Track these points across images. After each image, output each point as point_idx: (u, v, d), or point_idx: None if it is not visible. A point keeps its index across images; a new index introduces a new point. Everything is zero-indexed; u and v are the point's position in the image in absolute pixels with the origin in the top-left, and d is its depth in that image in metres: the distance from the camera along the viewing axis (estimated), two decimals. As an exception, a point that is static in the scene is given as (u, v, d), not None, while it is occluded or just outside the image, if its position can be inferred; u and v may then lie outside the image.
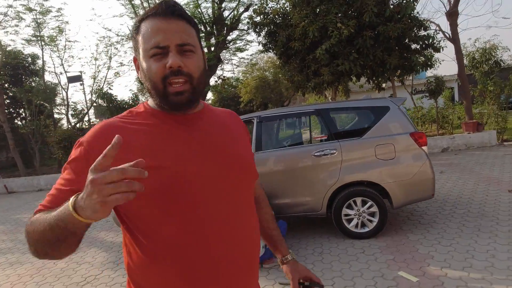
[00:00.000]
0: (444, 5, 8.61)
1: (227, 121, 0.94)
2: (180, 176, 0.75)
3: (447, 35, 8.63)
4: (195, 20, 1.05)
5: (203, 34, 10.43)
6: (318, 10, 7.61)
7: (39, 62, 15.48)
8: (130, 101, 9.94)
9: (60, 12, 14.05)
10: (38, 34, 14.20)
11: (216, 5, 10.12)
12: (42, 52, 14.77)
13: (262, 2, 9.12)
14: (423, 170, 3.41)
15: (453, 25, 8.46)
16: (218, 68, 10.79)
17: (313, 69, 8.25)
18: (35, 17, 13.80)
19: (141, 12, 11.23)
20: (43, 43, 14.41)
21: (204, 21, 10.17)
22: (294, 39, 8.05)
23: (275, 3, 9.17)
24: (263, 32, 9.14)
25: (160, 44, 0.75)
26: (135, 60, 0.84)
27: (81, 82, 20.65)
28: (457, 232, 3.42)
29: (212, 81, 11.50)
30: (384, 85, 9.06)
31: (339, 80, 8.67)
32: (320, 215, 3.65)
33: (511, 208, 3.90)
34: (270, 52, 9.46)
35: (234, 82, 12.25)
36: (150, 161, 0.70)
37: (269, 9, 9.06)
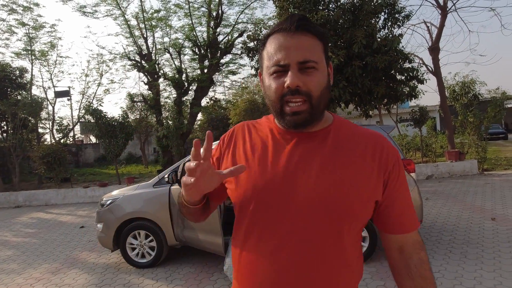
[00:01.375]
0: (426, 41, 9.19)
1: (353, 146, 0.79)
2: (259, 192, 0.77)
3: (430, 69, 9.14)
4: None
5: (197, 57, 10.66)
6: (309, 39, 7.94)
7: (27, 75, 15.30)
8: (120, 119, 9.86)
9: (54, 28, 14.07)
10: (29, 48, 14.14)
11: (211, 29, 10.44)
12: (32, 66, 14.64)
13: (256, 29, 9.48)
14: (412, 197, 3.50)
15: (435, 60, 8.99)
16: (210, 90, 10.96)
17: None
18: (27, 31, 13.81)
19: (137, 32, 11.45)
20: (33, 57, 14.33)
21: (199, 44, 10.42)
22: (286, 65, 8.33)
23: (268, 30, 9.54)
24: (256, 57, 9.43)
25: (280, 62, 0.74)
26: (260, 74, 0.85)
27: (69, 98, 20.47)
28: (444, 258, 3.47)
29: (204, 102, 11.64)
30: (371, 112, 9.39)
31: (329, 106, 8.93)
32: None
33: (495, 236, 4.01)
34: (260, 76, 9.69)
35: (224, 104, 12.42)
36: (243, 160, 0.83)
37: (262, 36, 9.40)
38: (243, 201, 0.80)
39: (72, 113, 20.04)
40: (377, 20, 8.34)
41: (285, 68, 0.74)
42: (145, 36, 11.15)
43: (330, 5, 8.51)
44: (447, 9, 8.72)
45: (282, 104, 0.75)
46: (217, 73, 10.66)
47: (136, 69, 11.38)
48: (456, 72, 15.50)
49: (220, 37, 10.81)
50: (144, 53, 11.43)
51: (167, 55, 11.80)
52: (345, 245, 0.75)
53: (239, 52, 10.53)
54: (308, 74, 0.73)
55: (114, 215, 3.97)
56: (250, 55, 9.41)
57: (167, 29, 11.73)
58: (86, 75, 14.69)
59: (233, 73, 10.74)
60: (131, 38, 11.35)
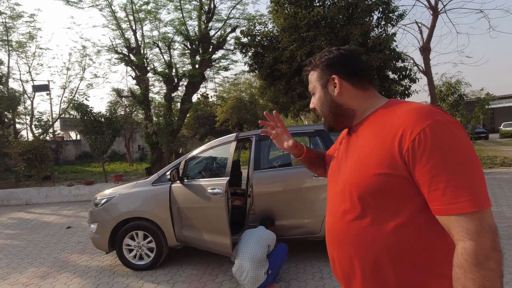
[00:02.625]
0: (418, 41, 9.32)
1: (379, 129, 0.87)
2: (328, 175, 1.09)
3: (421, 68, 9.28)
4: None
5: (188, 51, 10.35)
6: (305, 35, 7.88)
7: (4, 68, 14.49)
8: (108, 114, 9.45)
9: (33, 18, 13.36)
10: (6, 39, 13.38)
11: (203, 23, 10.17)
12: (9, 57, 13.87)
13: (250, 24, 9.32)
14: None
15: (426, 60, 9.14)
16: (202, 86, 10.69)
17: (298, 92, 8.43)
18: (4, 21, 13.05)
19: (124, 25, 11.02)
20: (10, 49, 13.57)
21: (191, 38, 10.13)
22: (281, 61, 8.23)
23: (262, 26, 9.40)
24: (249, 53, 9.28)
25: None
26: None
27: (48, 92, 19.56)
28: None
29: (194, 98, 11.35)
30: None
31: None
32: (319, 238, 3.55)
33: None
34: (255, 72, 9.57)
35: (216, 100, 12.20)
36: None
37: (256, 31, 9.27)
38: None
39: (51, 108, 19.20)
40: (371, 18, 8.36)
41: None
42: (133, 28, 10.73)
43: (326, 2, 8.45)
44: (438, 10, 8.87)
45: None
46: (208, 69, 10.39)
47: (123, 63, 10.94)
48: (443, 73, 15.93)
49: (212, 32, 10.56)
50: (132, 47, 11.01)
51: (156, 49, 11.42)
52: (370, 221, 0.85)
53: (231, 47, 10.32)
54: (314, 96, 1.05)
55: (110, 214, 3.73)
56: (244, 51, 9.24)
57: (157, 22, 11.37)
58: (68, 69, 14.06)
59: (226, 69, 10.52)
60: (118, 31, 10.91)
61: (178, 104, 11.14)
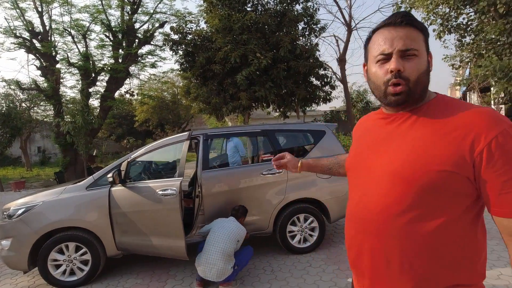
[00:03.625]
0: (336, 52, 10.46)
1: (441, 124, 0.84)
2: (356, 163, 1.03)
3: (338, 77, 10.44)
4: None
5: (110, 44, 9.42)
6: (239, 38, 8.03)
7: None
8: (4, 109, 7.90)
9: None
10: None
11: (127, 14, 9.39)
12: None
13: (181, 21, 9.02)
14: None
15: (342, 69, 10.33)
16: (126, 82, 9.83)
17: (231, 93, 8.53)
18: None
19: (24, 4, 9.39)
20: None
21: (113, 29, 9.23)
22: (214, 62, 8.21)
23: (194, 25, 9.22)
24: (180, 52, 8.98)
25: (385, 51, 0.88)
26: (364, 66, 1.00)
27: None
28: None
29: (118, 94, 10.35)
30: (288, 113, 10.10)
31: (255, 105, 9.22)
32: (267, 234, 3.71)
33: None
34: (186, 71, 9.30)
35: (143, 99, 11.36)
36: (352, 145, 1.12)
37: (188, 29, 9.03)
38: (346, 169, 1.09)
39: None
40: (297, 28, 9.03)
41: (389, 56, 0.87)
42: (39, 10, 9.23)
43: (259, 8, 8.78)
44: (352, 27, 10.13)
45: (386, 87, 0.89)
46: (134, 64, 9.64)
47: (24, 50, 9.30)
48: (353, 82, 18.17)
49: (138, 25, 9.84)
50: (37, 31, 9.45)
51: (69, 38, 10.06)
52: (418, 216, 0.83)
53: (160, 44, 9.80)
54: (409, 60, 0.86)
55: (31, 227, 3.18)
56: (174, 48, 8.90)
57: (68, 7, 10.01)
58: None
59: (153, 65, 9.90)
60: (15, 10, 9.21)
61: (97, 101, 10.03)
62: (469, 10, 9.13)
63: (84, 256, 3.26)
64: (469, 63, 9.91)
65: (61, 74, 9.87)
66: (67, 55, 9.90)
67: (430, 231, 0.82)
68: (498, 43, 8.38)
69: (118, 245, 3.27)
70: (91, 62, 9.75)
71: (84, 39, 9.99)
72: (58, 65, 9.92)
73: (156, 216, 3.08)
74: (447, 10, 9.32)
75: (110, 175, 3.14)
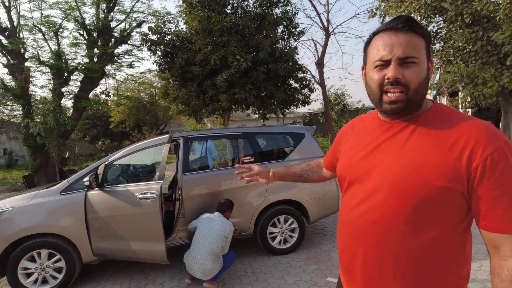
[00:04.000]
0: (314, 56, 10.68)
1: (440, 135, 0.84)
2: (351, 169, 0.99)
3: (316, 80, 10.66)
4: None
5: (85, 42, 9.07)
6: (219, 40, 8.02)
7: None
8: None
9: None
10: None
11: (103, 12, 9.10)
12: None
13: (160, 22, 8.87)
14: (331, 189, 4.03)
15: (320, 73, 10.56)
16: (102, 83, 9.49)
17: (211, 95, 8.49)
18: None
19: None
20: None
21: (89, 28, 8.89)
22: (194, 63, 8.14)
23: (173, 25, 9.09)
24: (158, 52, 8.83)
25: (383, 58, 0.85)
26: (363, 69, 0.98)
27: None
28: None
29: (93, 94, 9.99)
30: (268, 115, 10.19)
31: (235, 107, 9.22)
32: (248, 236, 3.73)
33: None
34: (165, 72, 9.15)
35: (120, 100, 11.02)
36: (345, 146, 1.09)
37: (166, 30, 8.89)
38: (339, 176, 1.08)
39: None
40: (277, 31, 9.14)
41: (387, 62, 0.85)
42: (6, 4, 8.75)
43: (239, 10, 8.80)
44: (330, 32, 10.39)
45: (381, 93, 0.88)
46: (110, 64, 9.34)
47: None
48: (331, 85, 18.63)
49: (113, 24, 9.56)
50: (4, 27, 8.95)
51: (40, 35, 9.59)
52: (413, 228, 0.83)
53: (138, 43, 9.57)
54: (408, 67, 0.84)
55: (-1, 234, 3.02)
56: (152, 49, 8.73)
57: (37, 2, 9.56)
58: None
59: (130, 66, 9.64)
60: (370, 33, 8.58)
61: (70, 102, 9.63)
62: (439, 19, 9.64)
63: (58, 263, 3.14)
64: (439, 69, 10.45)
65: (31, 73, 9.39)
66: (38, 52, 9.44)
67: (424, 242, 0.83)
68: (465, 50, 8.89)
69: (94, 251, 3.17)
70: (63, 60, 9.35)
71: (56, 36, 9.56)
72: (27, 63, 9.42)
73: (135, 220, 3.02)
74: (419, 18, 9.78)
75: (86, 178, 3.04)
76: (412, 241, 0.84)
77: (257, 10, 9.00)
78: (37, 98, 10.44)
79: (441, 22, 9.72)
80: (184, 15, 8.94)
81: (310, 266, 3.43)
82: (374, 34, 0.91)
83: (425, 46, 0.86)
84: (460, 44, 8.75)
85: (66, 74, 9.38)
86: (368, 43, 0.93)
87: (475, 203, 0.80)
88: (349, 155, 1.03)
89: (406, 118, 0.91)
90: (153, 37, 8.74)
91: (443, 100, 17.75)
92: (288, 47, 9.24)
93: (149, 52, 8.80)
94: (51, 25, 9.56)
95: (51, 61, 9.32)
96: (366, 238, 0.90)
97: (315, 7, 11.95)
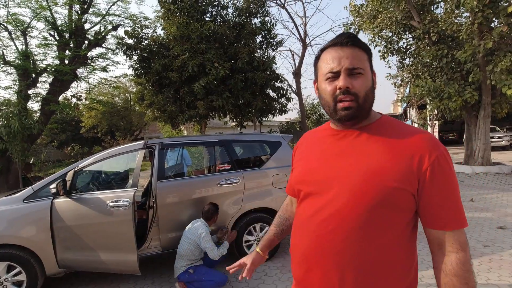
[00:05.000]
0: (292, 66, 10.90)
1: (393, 142, 0.90)
2: (308, 178, 1.00)
3: (293, 90, 10.86)
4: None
5: (55, 43, 8.70)
6: (197, 47, 7.99)
7: None
8: None
9: None
10: None
11: (76, 13, 8.80)
12: None
13: (137, 26, 8.72)
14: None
15: (298, 83, 10.79)
16: (73, 85, 9.09)
17: (188, 102, 8.40)
18: None
19: None
20: None
21: (58, 28, 8.55)
22: (171, 69, 8.04)
23: (151, 30, 8.96)
24: (134, 57, 8.64)
25: (333, 69, 0.92)
26: (315, 82, 1.03)
27: None
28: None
29: (63, 98, 9.54)
30: (245, 123, 10.21)
31: (213, 114, 9.17)
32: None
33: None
34: (141, 77, 8.96)
35: (92, 104, 10.59)
36: (298, 160, 1.10)
37: (143, 34, 8.75)
38: (294, 187, 1.08)
39: None
40: (255, 41, 9.26)
41: (337, 74, 0.92)
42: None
43: (218, 19, 8.84)
44: (307, 43, 10.68)
45: (335, 103, 0.93)
46: (82, 67, 9.00)
47: None
48: (307, 95, 19.02)
49: (87, 26, 9.26)
50: (-35, 24, 8.41)
51: (5, 34, 9.10)
52: (372, 231, 0.86)
53: (113, 47, 9.31)
54: (356, 78, 0.91)
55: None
56: (128, 53, 8.54)
57: (5, 0, 9.09)
58: None
59: (104, 69, 9.33)
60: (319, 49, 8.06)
61: (37, 104, 9.14)
62: (408, 36, 10.21)
63: (18, 276, 2.92)
64: (409, 83, 11.01)
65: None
66: (3, 52, 8.94)
67: (380, 246, 0.86)
68: (432, 66, 9.45)
69: (60, 262, 2.99)
70: (31, 61, 8.90)
71: (23, 36, 9.10)
72: (-9, 63, 8.90)
73: (106, 229, 2.89)
74: (390, 34, 10.30)
75: (53, 185, 2.88)
76: (370, 246, 0.86)
77: (236, 19, 9.10)
78: (0, 100, 9.85)
79: (411, 39, 10.30)
80: (162, 21, 8.86)
81: (285, 274, 3.43)
82: (322, 50, 0.98)
83: (368, 59, 0.95)
84: (428, 60, 9.30)
85: (34, 75, 8.93)
86: (317, 58, 1.00)
87: (424, 203, 0.87)
88: (303, 167, 1.05)
89: (358, 126, 0.97)
90: (130, 41, 8.57)
91: (413, 113, 18.66)
92: (266, 56, 9.38)
93: (125, 56, 8.60)
94: (18, 24, 9.11)
95: (17, 61, 8.85)
96: (326, 246, 0.90)
97: (293, 19, 12.28)
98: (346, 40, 0.92)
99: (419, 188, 0.86)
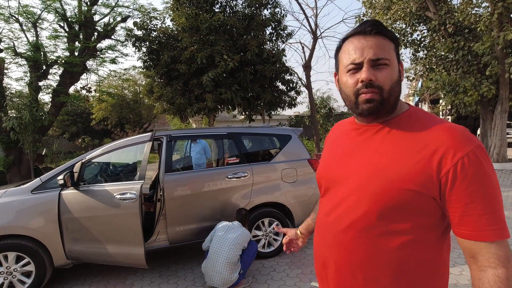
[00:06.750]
0: (301, 58, 10.71)
1: (412, 139, 0.82)
2: (326, 174, 1.00)
3: (303, 83, 10.68)
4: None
5: (65, 35, 8.71)
6: (206, 39, 7.89)
7: None
8: None
9: None
10: None
11: (86, 5, 8.78)
12: None
13: (146, 17, 8.65)
14: (316, 193, 3.98)
15: (307, 76, 10.59)
16: (83, 77, 9.11)
17: (196, 94, 8.33)
18: None
19: None
20: None
21: (69, 20, 8.55)
22: (180, 61, 7.97)
23: (160, 22, 8.89)
24: (143, 48, 8.59)
25: (355, 61, 0.85)
26: (335, 74, 0.97)
27: None
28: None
29: (73, 90, 9.60)
30: (254, 117, 10.12)
31: (221, 107, 9.10)
32: (231, 239, 3.62)
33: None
34: (150, 69, 8.92)
35: (101, 96, 10.64)
36: (324, 153, 1.10)
37: (152, 26, 8.68)
38: (317, 182, 1.08)
39: None
40: (265, 33, 9.10)
41: (359, 65, 0.85)
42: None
43: (227, 10, 8.70)
44: (317, 35, 10.46)
45: (356, 96, 0.87)
46: (92, 59, 9.01)
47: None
48: (317, 89, 18.82)
49: (97, 17, 9.24)
50: (-23, 16, 8.48)
51: (16, 25, 9.15)
52: (383, 233, 0.82)
53: (122, 39, 9.29)
54: (380, 69, 0.84)
55: (-39, 235, 2.80)
56: (137, 44, 8.49)
57: (16, -8, 9.13)
58: None
59: (113, 61, 9.33)
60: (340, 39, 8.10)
61: (48, 96, 9.22)
62: (423, 28, 9.89)
63: (27, 267, 2.93)
64: (422, 76, 10.72)
65: (6, 65, 8.94)
66: (14, 43, 9.01)
67: (395, 247, 0.81)
68: (447, 59, 9.15)
69: (68, 254, 2.99)
70: (42, 53, 8.96)
71: (34, 27, 9.15)
72: (2, 54, 8.97)
73: (113, 221, 2.86)
74: (404, 26, 10.00)
75: (61, 177, 2.86)
76: (383, 246, 0.82)
77: (246, 11, 8.93)
78: (12, 91, 9.97)
79: (425, 31, 9.98)
80: (171, 12, 8.76)
81: (294, 271, 3.36)
82: (344, 40, 0.91)
83: (394, 49, 0.87)
84: (443, 53, 9.01)
85: (44, 67, 8.99)
86: (338, 49, 0.93)
87: (449, 210, 0.78)
88: (326, 161, 1.04)
89: (381, 120, 0.90)
90: (138, 33, 8.52)
91: (425, 107, 18.27)
92: (275, 48, 9.22)
93: (134, 48, 8.56)
94: (29, 16, 9.15)
95: (28, 53, 8.91)
96: (338, 244, 0.89)
97: (303, 10, 12.02)
98: (370, 28, 0.84)
99: (442, 192, 0.77)
